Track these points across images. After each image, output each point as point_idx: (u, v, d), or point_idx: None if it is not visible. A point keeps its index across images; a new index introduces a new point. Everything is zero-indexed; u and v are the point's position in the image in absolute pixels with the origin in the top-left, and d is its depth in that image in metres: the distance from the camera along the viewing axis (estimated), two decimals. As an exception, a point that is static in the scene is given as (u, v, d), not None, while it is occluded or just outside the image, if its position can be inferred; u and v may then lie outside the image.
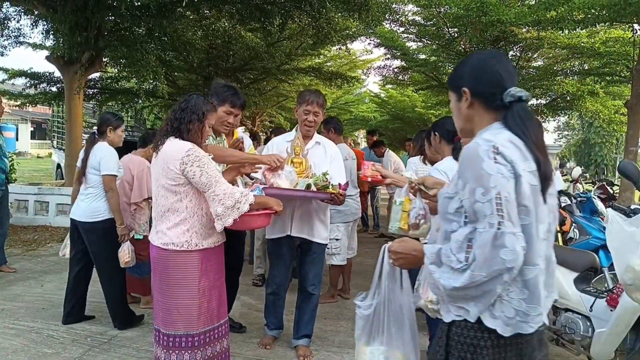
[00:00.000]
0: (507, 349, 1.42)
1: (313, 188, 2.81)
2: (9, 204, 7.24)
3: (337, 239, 4.42)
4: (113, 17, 7.53)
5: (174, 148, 2.33)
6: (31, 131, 32.02)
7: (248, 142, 3.49)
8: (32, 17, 8.40)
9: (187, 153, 2.29)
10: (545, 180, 1.42)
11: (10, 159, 9.17)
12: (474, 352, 1.43)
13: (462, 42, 8.43)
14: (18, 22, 8.25)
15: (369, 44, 11.91)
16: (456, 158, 3.25)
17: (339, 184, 2.97)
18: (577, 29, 5.94)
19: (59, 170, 11.62)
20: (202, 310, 2.39)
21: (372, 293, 1.78)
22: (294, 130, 3.35)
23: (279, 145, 3.24)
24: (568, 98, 10.91)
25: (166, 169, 2.32)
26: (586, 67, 9.71)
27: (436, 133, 3.01)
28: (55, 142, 13.46)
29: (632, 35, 7.07)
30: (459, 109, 1.56)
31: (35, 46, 10.82)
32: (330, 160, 3.22)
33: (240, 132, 3.45)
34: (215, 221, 2.33)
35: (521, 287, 1.42)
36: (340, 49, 12.99)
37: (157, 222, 2.43)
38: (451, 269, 1.39)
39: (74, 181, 3.91)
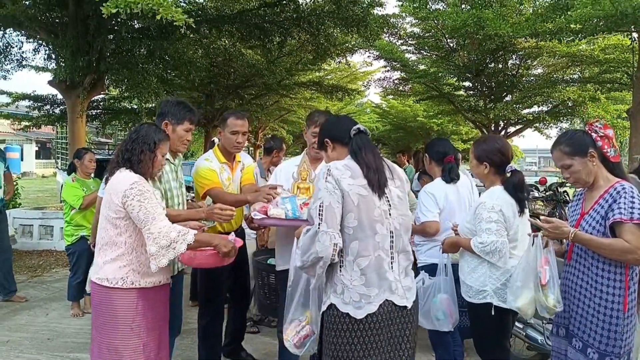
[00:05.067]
0: (362, 328, 1.86)
1: None
2: (14, 230, 7.31)
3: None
4: (114, 41, 7.60)
5: (120, 180, 2.26)
6: (36, 151, 32.22)
7: (248, 161, 3.47)
8: (34, 41, 8.51)
9: (131, 186, 2.21)
10: (379, 187, 1.93)
11: (14, 182, 9.25)
12: (337, 334, 1.90)
13: (461, 55, 8.45)
14: (20, 48, 8.33)
15: (368, 56, 12.01)
16: (445, 179, 3.24)
17: None
18: (575, 40, 5.93)
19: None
20: (136, 352, 2.25)
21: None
22: (303, 153, 3.17)
23: (287, 170, 3.05)
24: (570, 104, 10.90)
25: (109, 200, 2.25)
26: (586, 75, 9.71)
27: (426, 155, 3.02)
28: (59, 163, 13.54)
29: (631, 43, 7.07)
30: (327, 156, 2.20)
31: (38, 69, 10.96)
32: None
33: (242, 156, 3.43)
34: (150, 260, 2.20)
35: (359, 274, 1.89)
36: (340, 62, 13.08)
37: (96, 255, 2.34)
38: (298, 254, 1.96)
39: (95, 212, 3.80)
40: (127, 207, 2.20)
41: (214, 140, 3.42)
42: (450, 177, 3.21)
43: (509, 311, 2.56)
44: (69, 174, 4.76)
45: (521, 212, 2.60)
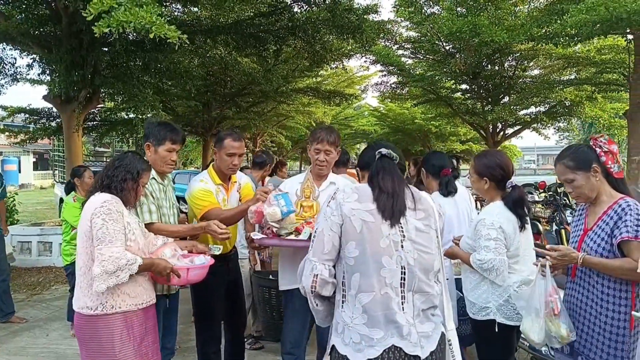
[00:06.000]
0: None
1: None
2: (12, 247, 7.25)
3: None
4: (109, 54, 7.57)
5: (92, 201, 2.22)
6: (33, 162, 32.15)
7: (245, 180, 3.43)
8: (28, 55, 8.48)
9: (101, 204, 2.18)
10: (392, 214, 1.71)
11: (12, 198, 9.22)
12: None
13: (457, 61, 8.45)
14: (14, 65, 8.30)
15: (365, 61, 12.00)
16: (442, 192, 3.21)
17: None
18: (571, 45, 5.93)
19: (62, 204, 11.61)
20: None
21: None
22: (306, 170, 3.11)
23: (291, 188, 2.95)
24: (567, 104, 10.90)
25: (83, 224, 2.21)
26: (582, 76, 9.71)
27: (423, 169, 2.99)
28: (57, 176, 13.50)
29: (627, 44, 7.06)
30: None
31: (33, 81, 10.92)
32: None
33: (237, 176, 3.39)
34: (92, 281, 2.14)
35: (361, 312, 1.67)
36: (336, 67, 13.08)
37: (76, 286, 2.28)
38: None
39: None
40: (92, 224, 2.15)
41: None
42: (448, 190, 3.19)
43: (512, 327, 2.54)
44: (67, 192, 4.70)
45: (522, 227, 2.58)
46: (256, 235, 2.62)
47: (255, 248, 2.90)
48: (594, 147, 2.19)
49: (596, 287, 2.14)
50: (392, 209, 1.72)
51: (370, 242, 1.68)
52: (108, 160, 18.40)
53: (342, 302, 1.74)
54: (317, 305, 1.75)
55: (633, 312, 1.90)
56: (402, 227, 1.73)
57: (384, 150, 1.85)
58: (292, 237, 2.51)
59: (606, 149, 2.16)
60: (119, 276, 2.12)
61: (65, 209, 4.53)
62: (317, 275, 1.69)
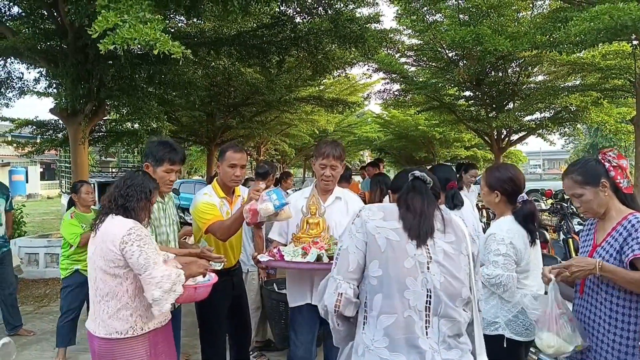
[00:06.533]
0: None
1: (325, 259, 2.52)
2: (20, 259, 7.29)
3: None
4: (114, 66, 7.64)
5: (115, 226, 2.20)
6: (40, 172, 32.37)
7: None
8: (35, 68, 8.57)
9: (128, 231, 2.17)
10: (418, 235, 1.65)
11: (19, 210, 9.27)
12: None
13: (460, 70, 8.44)
14: (21, 79, 8.39)
15: (367, 69, 12.01)
16: (449, 206, 3.19)
17: None
18: (576, 52, 5.91)
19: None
20: None
21: None
22: (312, 184, 3.06)
23: (296, 205, 2.91)
24: (573, 109, 10.84)
25: (105, 249, 2.19)
26: (588, 82, 9.66)
27: None
28: (64, 187, 13.57)
29: (632, 50, 7.03)
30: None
31: (39, 94, 11.03)
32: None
33: (241, 189, 3.40)
34: (152, 306, 2.16)
35: (382, 334, 1.60)
36: (339, 75, 13.12)
37: (95, 308, 2.27)
38: None
39: None
40: (126, 254, 2.16)
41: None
42: (454, 203, 3.18)
43: (521, 343, 2.51)
44: (68, 208, 4.65)
45: (532, 242, 2.56)
46: (263, 257, 2.62)
47: (262, 269, 2.89)
48: (602, 161, 2.17)
49: (604, 303, 2.11)
50: (418, 229, 1.66)
51: (394, 262, 1.62)
52: (114, 169, 18.41)
53: (364, 324, 1.66)
54: (337, 325, 1.68)
55: None
56: (429, 249, 1.66)
57: (417, 173, 1.83)
58: (299, 259, 2.49)
59: (615, 164, 2.14)
60: (175, 291, 2.18)
61: (63, 226, 4.46)
62: (341, 294, 1.62)
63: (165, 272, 2.16)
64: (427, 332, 1.60)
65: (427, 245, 1.65)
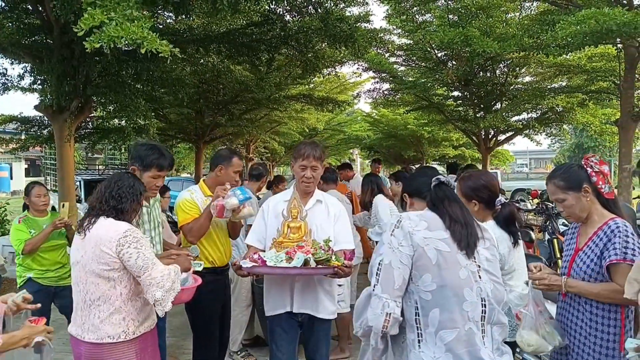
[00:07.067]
0: None
1: (312, 264, 2.46)
2: (3, 259, 7.17)
3: (339, 285, 4.32)
4: (100, 63, 7.54)
5: (109, 229, 2.18)
6: (25, 169, 31.90)
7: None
8: (19, 64, 8.43)
9: (124, 234, 2.16)
10: (467, 245, 1.61)
11: (3, 208, 9.12)
12: None
13: (448, 72, 8.50)
14: (4, 75, 8.25)
15: (357, 68, 12.02)
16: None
17: (344, 253, 2.61)
18: (562, 55, 5.99)
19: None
20: None
21: None
22: (292, 186, 2.99)
23: (276, 207, 2.85)
24: (559, 110, 10.98)
25: (98, 252, 2.16)
26: (574, 84, 9.79)
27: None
28: (50, 184, 13.39)
29: (617, 53, 7.13)
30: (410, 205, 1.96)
31: (24, 89, 10.84)
32: (334, 220, 2.81)
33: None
34: (155, 307, 2.17)
35: (444, 351, 1.54)
36: (329, 74, 13.10)
37: (82, 313, 2.23)
38: None
39: None
40: (123, 257, 2.14)
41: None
42: None
43: (507, 344, 2.54)
44: (22, 211, 4.26)
45: (515, 243, 2.60)
46: (245, 263, 2.55)
47: (243, 276, 2.85)
48: (585, 166, 2.20)
49: (585, 307, 2.15)
50: (467, 239, 1.64)
51: (448, 274, 1.57)
52: (100, 166, 18.17)
53: (419, 342, 1.59)
54: (377, 344, 1.59)
55: (626, 343, 1.89)
56: (474, 258, 1.65)
57: (442, 178, 1.77)
58: (284, 264, 2.45)
59: (597, 169, 2.18)
60: (174, 288, 2.20)
61: (11, 231, 4.08)
62: (389, 314, 1.53)
63: (164, 272, 2.18)
64: (484, 342, 1.60)
65: (474, 255, 1.66)
